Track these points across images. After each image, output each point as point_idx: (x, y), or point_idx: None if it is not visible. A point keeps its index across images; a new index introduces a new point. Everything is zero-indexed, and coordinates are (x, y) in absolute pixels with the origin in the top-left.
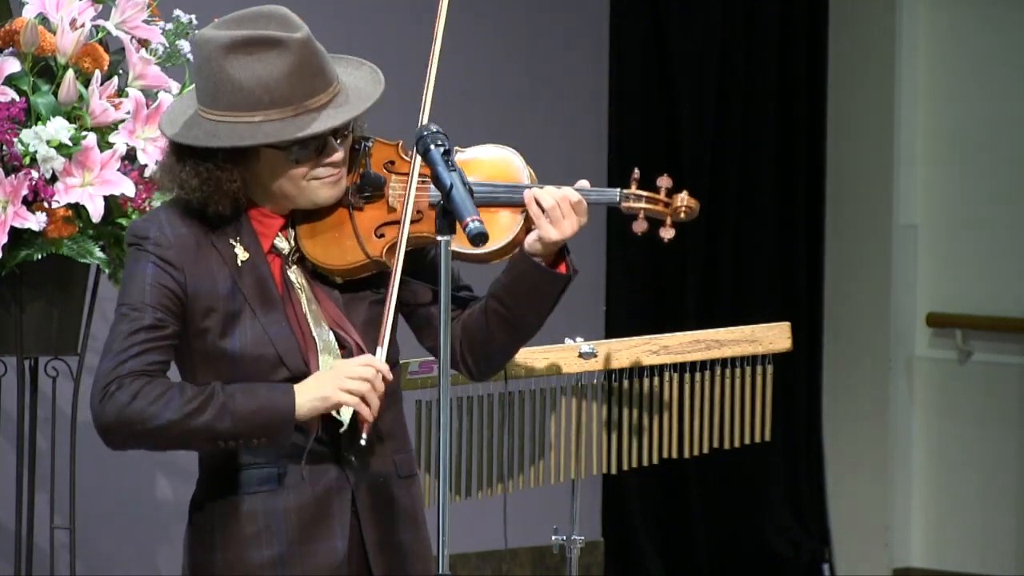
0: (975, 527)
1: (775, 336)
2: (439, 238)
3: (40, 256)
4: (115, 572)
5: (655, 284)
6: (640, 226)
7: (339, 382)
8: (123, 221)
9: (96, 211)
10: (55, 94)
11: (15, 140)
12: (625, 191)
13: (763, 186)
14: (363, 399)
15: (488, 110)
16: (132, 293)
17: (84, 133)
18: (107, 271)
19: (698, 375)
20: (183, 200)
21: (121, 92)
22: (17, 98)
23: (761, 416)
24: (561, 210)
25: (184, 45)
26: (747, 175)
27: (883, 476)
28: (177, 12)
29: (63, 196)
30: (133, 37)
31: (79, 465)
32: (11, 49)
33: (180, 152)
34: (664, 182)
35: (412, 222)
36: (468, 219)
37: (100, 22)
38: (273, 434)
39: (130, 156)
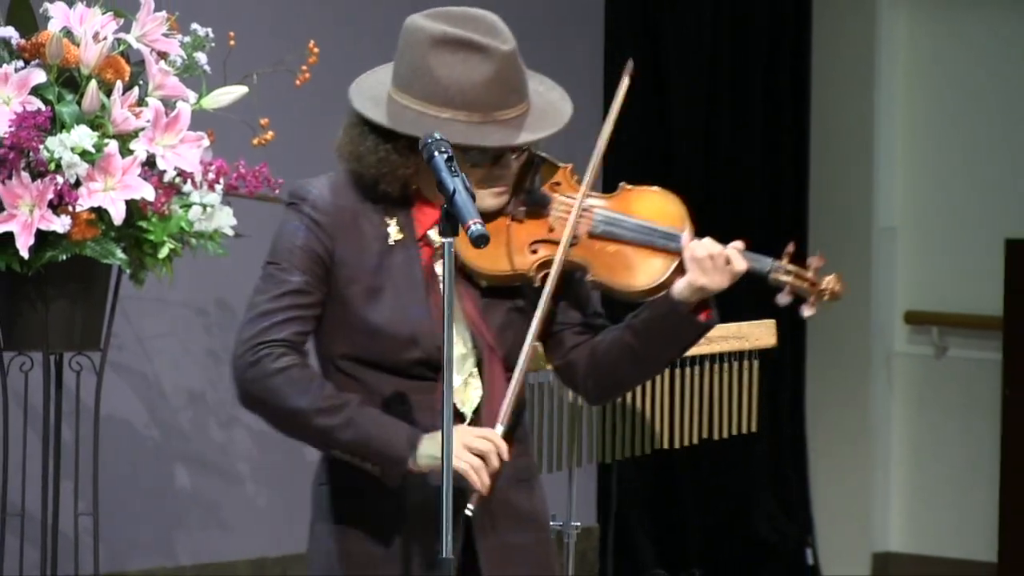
0: (951, 513)
1: (761, 333)
2: (442, 239)
3: (64, 257)
4: (136, 556)
5: None
6: (784, 299)
7: (459, 450)
8: (143, 224)
9: (118, 214)
10: (79, 103)
11: (41, 147)
12: (776, 263)
13: (750, 191)
14: (475, 471)
15: None
16: (282, 252)
17: (106, 140)
18: (128, 271)
19: (688, 370)
20: (353, 173)
21: (141, 102)
22: (43, 107)
23: (748, 408)
24: (714, 263)
25: (201, 57)
26: (735, 181)
27: (864, 465)
28: (195, 26)
29: (86, 200)
30: (153, 50)
31: (102, 455)
32: (37, 61)
33: (364, 126)
34: (816, 262)
35: (569, 246)
36: (470, 222)
37: (122, 35)
38: (384, 468)
39: (150, 162)
